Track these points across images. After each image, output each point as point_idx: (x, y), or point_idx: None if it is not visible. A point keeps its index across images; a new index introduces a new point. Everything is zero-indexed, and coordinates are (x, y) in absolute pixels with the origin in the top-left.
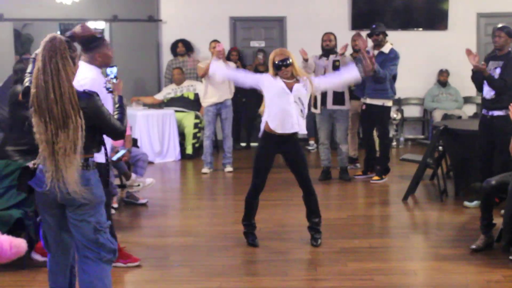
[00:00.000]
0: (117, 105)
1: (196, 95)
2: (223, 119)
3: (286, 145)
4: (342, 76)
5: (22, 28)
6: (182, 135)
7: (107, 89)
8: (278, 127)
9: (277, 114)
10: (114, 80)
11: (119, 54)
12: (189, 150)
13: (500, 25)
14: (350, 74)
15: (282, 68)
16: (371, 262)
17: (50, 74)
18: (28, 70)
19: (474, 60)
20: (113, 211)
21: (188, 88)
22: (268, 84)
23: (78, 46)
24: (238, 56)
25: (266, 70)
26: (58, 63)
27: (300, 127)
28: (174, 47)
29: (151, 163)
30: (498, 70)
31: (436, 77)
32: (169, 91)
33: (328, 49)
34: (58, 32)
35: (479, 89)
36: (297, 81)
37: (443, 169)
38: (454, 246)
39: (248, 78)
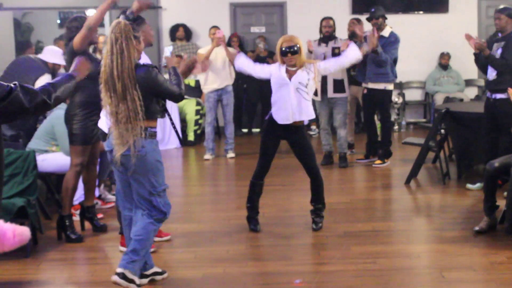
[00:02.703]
0: (172, 74)
1: (197, 82)
2: (224, 105)
3: (289, 133)
4: (345, 56)
5: (21, 17)
6: (183, 122)
7: (163, 65)
8: (278, 118)
9: (276, 103)
10: (169, 55)
11: None
12: (191, 137)
13: (501, 7)
14: (352, 51)
15: (288, 54)
16: (374, 245)
17: (116, 54)
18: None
19: (475, 44)
20: (114, 198)
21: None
22: (274, 73)
23: None
24: (238, 42)
25: (269, 56)
26: (122, 44)
27: (300, 115)
28: (174, 30)
29: None
30: (499, 51)
31: (437, 60)
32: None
33: (327, 35)
34: (58, 21)
35: (484, 71)
36: (300, 68)
37: (446, 152)
38: (457, 228)
39: (263, 73)
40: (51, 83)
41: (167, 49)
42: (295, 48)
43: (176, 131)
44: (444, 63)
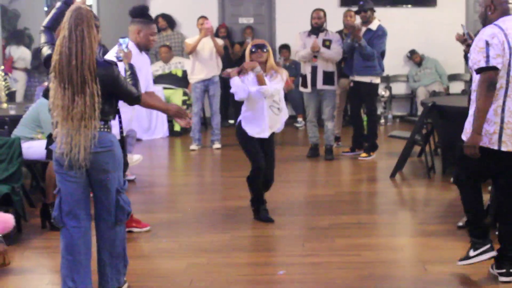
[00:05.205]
0: (128, 72)
1: (184, 72)
2: (210, 96)
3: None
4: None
5: (8, 3)
6: None
7: (117, 58)
8: (250, 130)
9: (249, 117)
10: (125, 50)
11: (106, 28)
12: (177, 127)
13: None
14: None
15: (258, 50)
16: (359, 238)
17: (75, 41)
18: (43, 40)
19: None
20: None
21: (176, 65)
22: (247, 82)
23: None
24: (226, 33)
25: None
26: (83, 31)
27: (271, 130)
28: (154, 22)
29: (139, 140)
30: None
31: (408, 59)
32: (157, 68)
33: (317, 27)
34: (45, 8)
35: None
36: (271, 75)
37: (431, 146)
38: (441, 222)
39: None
40: None
41: (123, 41)
42: (264, 49)
43: (123, 137)
44: (416, 61)
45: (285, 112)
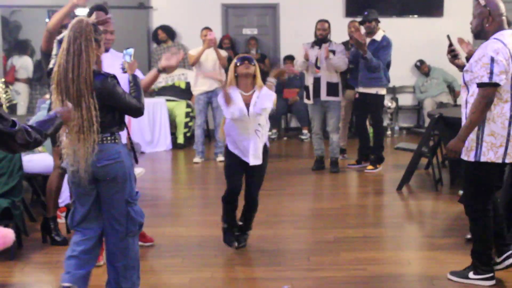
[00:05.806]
0: (131, 84)
1: (188, 84)
2: (214, 108)
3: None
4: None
5: (10, 15)
6: (173, 124)
7: (122, 69)
8: (238, 153)
9: (235, 141)
10: (129, 60)
11: None
12: (180, 139)
13: None
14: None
15: (245, 61)
16: (365, 252)
17: (72, 55)
18: (54, 52)
19: (467, 48)
20: None
21: (179, 77)
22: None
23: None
24: (230, 44)
25: (261, 59)
26: (81, 44)
27: (259, 160)
28: (154, 35)
29: (141, 153)
30: None
31: (416, 69)
32: (159, 80)
33: (321, 38)
34: (47, 20)
35: None
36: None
37: (438, 158)
38: (449, 235)
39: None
40: (34, 127)
41: (127, 52)
42: (252, 63)
43: (133, 148)
44: (424, 71)
45: (265, 138)
